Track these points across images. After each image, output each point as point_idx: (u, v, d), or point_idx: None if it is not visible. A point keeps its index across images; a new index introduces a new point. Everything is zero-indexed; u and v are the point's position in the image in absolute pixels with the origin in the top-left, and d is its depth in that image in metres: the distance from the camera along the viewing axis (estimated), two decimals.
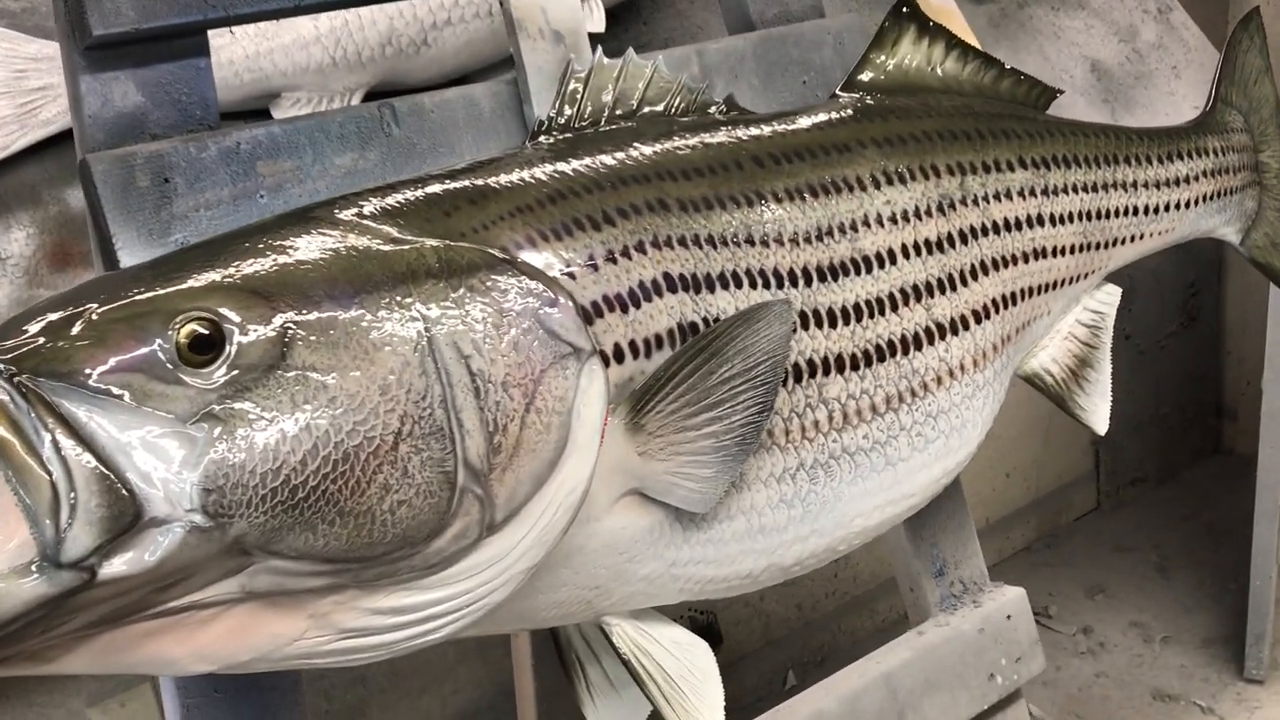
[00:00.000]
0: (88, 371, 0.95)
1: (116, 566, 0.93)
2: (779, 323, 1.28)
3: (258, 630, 1.03)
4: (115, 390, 0.96)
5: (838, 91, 1.66)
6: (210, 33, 1.41)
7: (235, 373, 1.00)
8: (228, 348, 1.01)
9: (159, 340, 0.98)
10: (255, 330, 1.02)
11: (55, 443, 0.91)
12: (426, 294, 1.12)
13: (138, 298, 1.00)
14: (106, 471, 0.93)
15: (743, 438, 1.27)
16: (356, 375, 1.06)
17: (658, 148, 1.40)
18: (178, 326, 0.99)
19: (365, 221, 1.16)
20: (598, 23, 2.08)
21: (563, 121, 1.41)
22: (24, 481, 0.90)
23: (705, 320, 1.31)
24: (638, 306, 1.29)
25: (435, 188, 1.25)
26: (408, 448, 1.07)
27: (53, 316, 0.98)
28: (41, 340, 0.96)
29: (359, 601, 1.08)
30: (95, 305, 0.99)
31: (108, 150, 1.36)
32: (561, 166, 1.33)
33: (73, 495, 0.90)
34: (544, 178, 1.30)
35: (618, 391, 1.25)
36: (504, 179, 1.28)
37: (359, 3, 1.57)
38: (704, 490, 1.24)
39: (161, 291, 1.02)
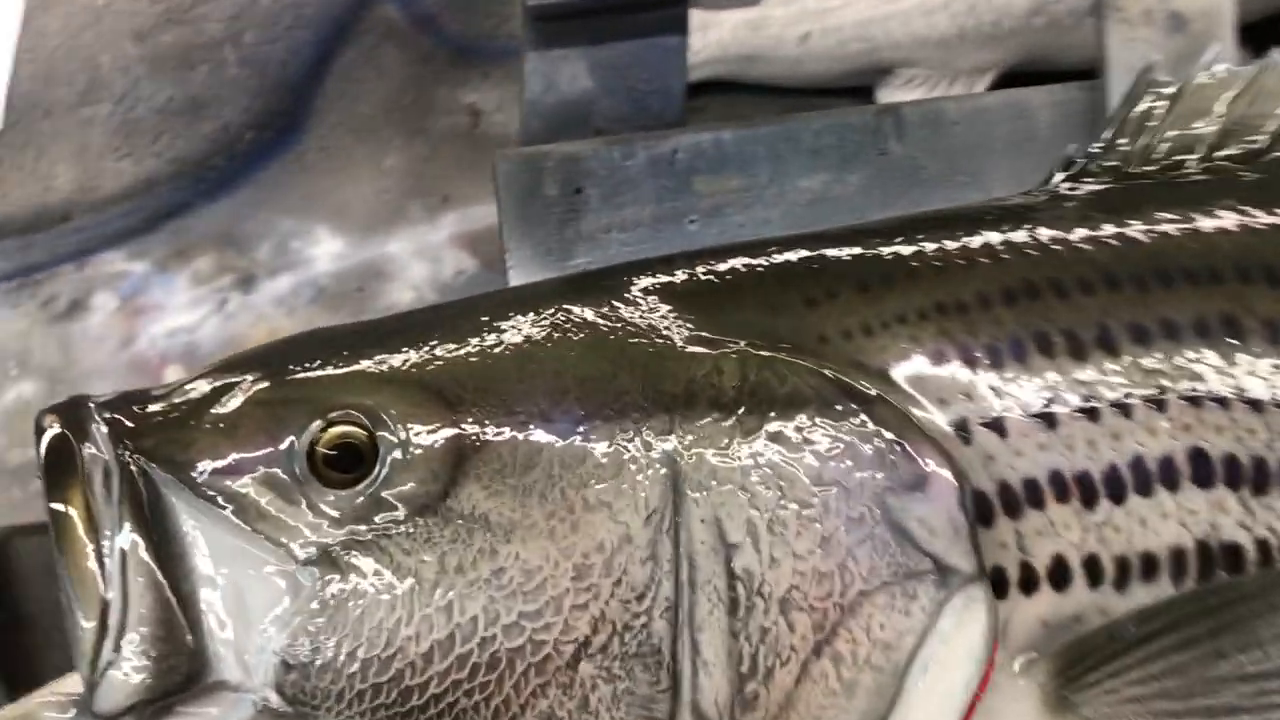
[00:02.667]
0: (202, 467, 0.73)
1: None
2: None
3: None
4: (224, 499, 0.72)
5: None
6: None
7: (377, 504, 0.72)
8: (378, 467, 0.72)
9: (294, 440, 0.73)
10: (420, 446, 0.72)
11: (125, 554, 0.71)
12: (697, 432, 0.73)
13: (296, 376, 0.76)
14: (175, 607, 0.71)
15: None
16: (544, 545, 0.71)
17: (1259, 222, 0.82)
18: (323, 427, 0.73)
19: (654, 304, 0.79)
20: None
21: (1113, 158, 0.88)
22: (78, 593, 0.71)
23: (1230, 549, 0.74)
24: (1114, 502, 0.76)
25: (816, 252, 0.83)
26: (595, 670, 0.71)
27: (206, 384, 0.77)
28: (177, 413, 0.75)
29: None
30: (254, 377, 0.76)
31: (534, 145, 1.13)
32: (1063, 234, 0.82)
33: (123, 628, 0.70)
34: (1015, 253, 0.81)
35: (1026, 636, 0.75)
36: (948, 247, 0.82)
37: None
38: None
39: (323, 373, 0.76)
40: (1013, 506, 0.77)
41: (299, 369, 0.76)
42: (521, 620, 0.71)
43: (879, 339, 0.79)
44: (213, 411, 0.75)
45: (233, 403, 0.75)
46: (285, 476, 0.73)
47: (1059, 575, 0.77)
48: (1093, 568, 0.77)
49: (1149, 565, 0.77)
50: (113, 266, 1.74)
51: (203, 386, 0.77)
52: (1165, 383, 0.79)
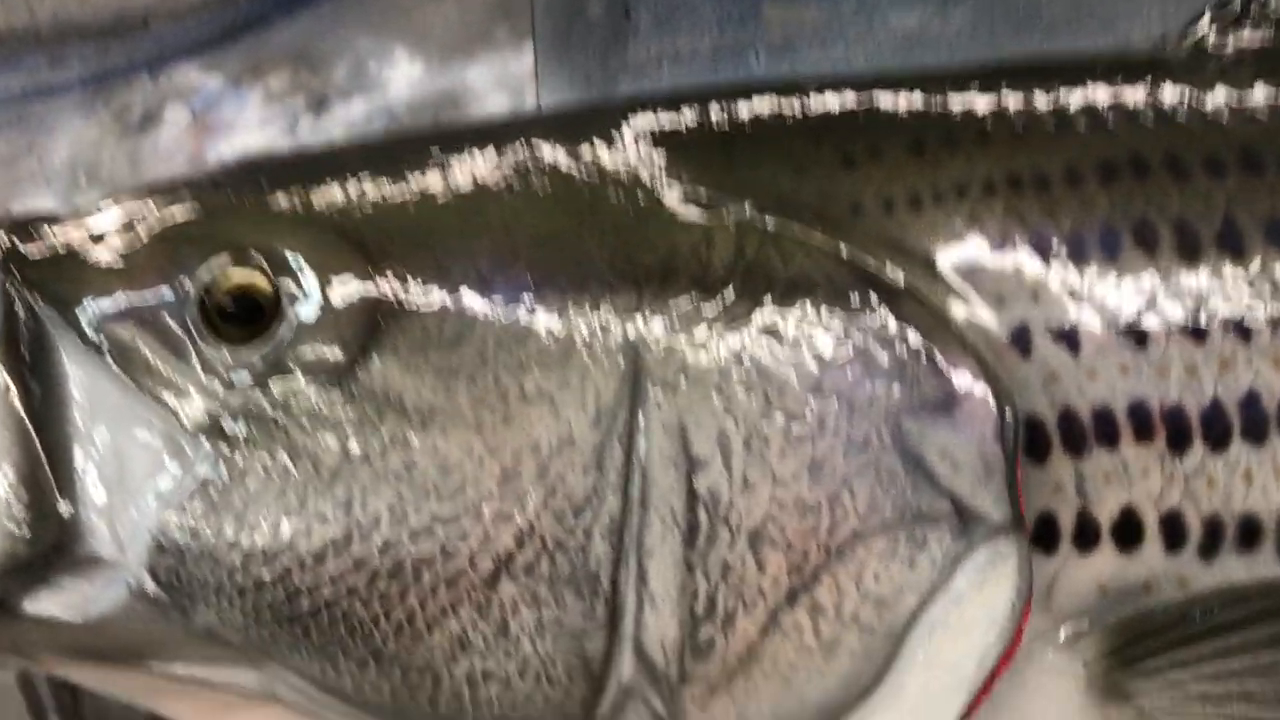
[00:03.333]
0: (90, 307, 0.62)
1: (45, 606, 0.62)
2: None
3: None
4: (110, 347, 0.61)
5: None
6: None
7: (277, 369, 0.60)
8: (279, 325, 0.60)
9: (186, 283, 0.61)
10: (330, 304, 0.60)
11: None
12: (670, 317, 0.58)
13: (203, 209, 0.63)
14: (45, 465, 0.60)
15: None
16: (468, 438, 0.58)
17: None
18: (218, 271, 0.61)
19: (646, 151, 0.63)
20: None
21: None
22: None
23: None
24: (1213, 447, 0.59)
25: (865, 97, 0.65)
26: (518, 591, 0.58)
27: (117, 211, 0.65)
28: (78, 243, 0.64)
29: None
30: (163, 206, 0.64)
31: None
32: (1195, 99, 0.64)
33: None
34: (1125, 119, 0.63)
35: (1077, 601, 0.59)
36: (1038, 104, 0.64)
37: None
38: None
39: (231, 207, 0.63)
40: (1076, 441, 0.60)
41: (210, 200, 0.63)
42: (433, 525, 0.58)
43: (928, 214, 0.62)
44: (112, 243, 0.63)
45: (133, 235, 0.63)
46: (176, 327, 0.61)
47: (1127, 532, 0.60)
48: (1173, 527, 0.60)
49: (1249, 532, 0.60)
50: (187, 79, 1.64)
51: (114, 214, 0.65)
52: None
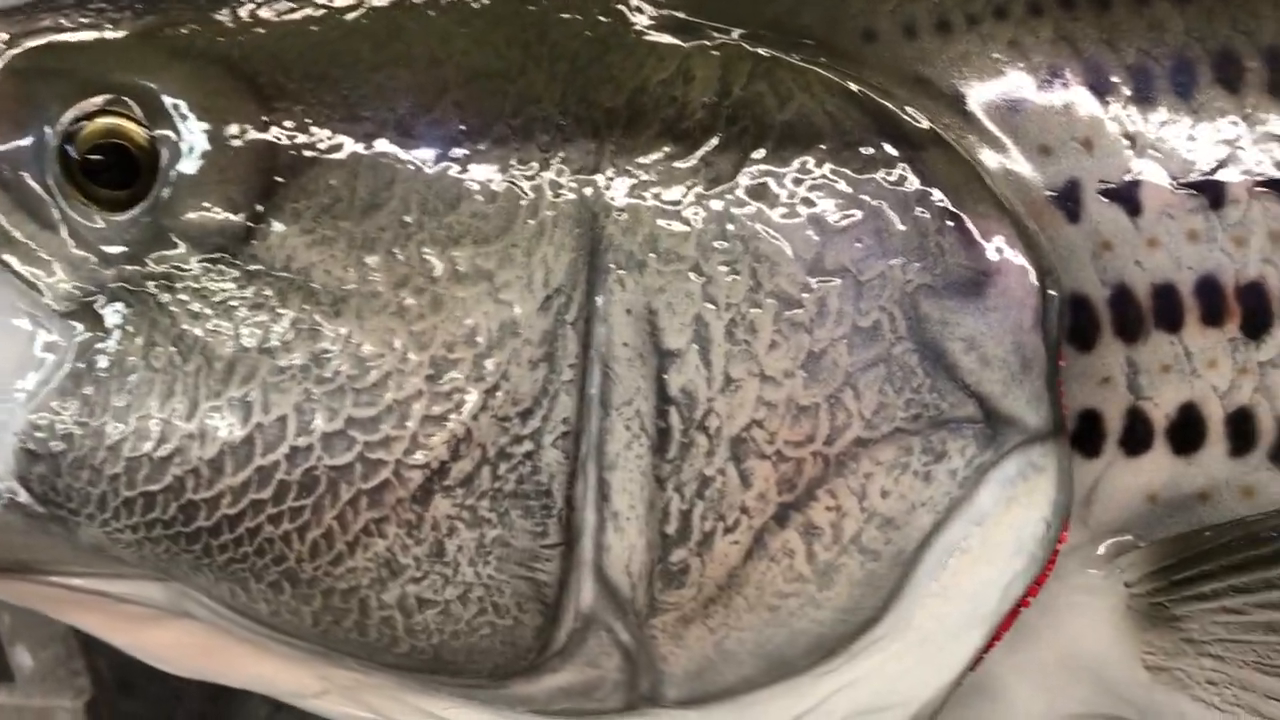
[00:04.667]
0: None
1: None
2: None
3: (228, 660, 0.59)
4: None
5: None
6: None
7: (157, 238, 0.49)
8: (158, 183, 0.49)
9: (46, 134, 0.50)
10: (217, 157, 0.48)
11: None
12: (636, 174, 0.47)
13: (64, 37, 0.51)
14: None
15: None
16: (388, 324, 0.48)
17: None
18: (79, 117, 0.49)
19: None
20: None
21: None
22: None
23: None
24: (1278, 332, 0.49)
25: None
26: (453, 508, 0.49)
27: None
28: None
29: (405, 696, 0.57)
30: (19, 32, 0.52)
31: None
32: None
33: None
34: None
35: (1121, 512, 0.50)
36: None
37: None
38: None
39: (97, 35, 0.51)
40: (1130, 324, 0.50)
41: (69, 26, 0.51)
42: (350, 430, 0.48)
43: (960, 41, 0.50)
44: None
45: None
46: (37, 187, 0.50)
47: (1187, 432, 0.51)
48: (1241, 426, 0.50)
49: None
50: None
51: None
52: None
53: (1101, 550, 0.52)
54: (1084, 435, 0.51)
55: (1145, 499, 0.51)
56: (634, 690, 0.52)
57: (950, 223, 0.47)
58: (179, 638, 0.57)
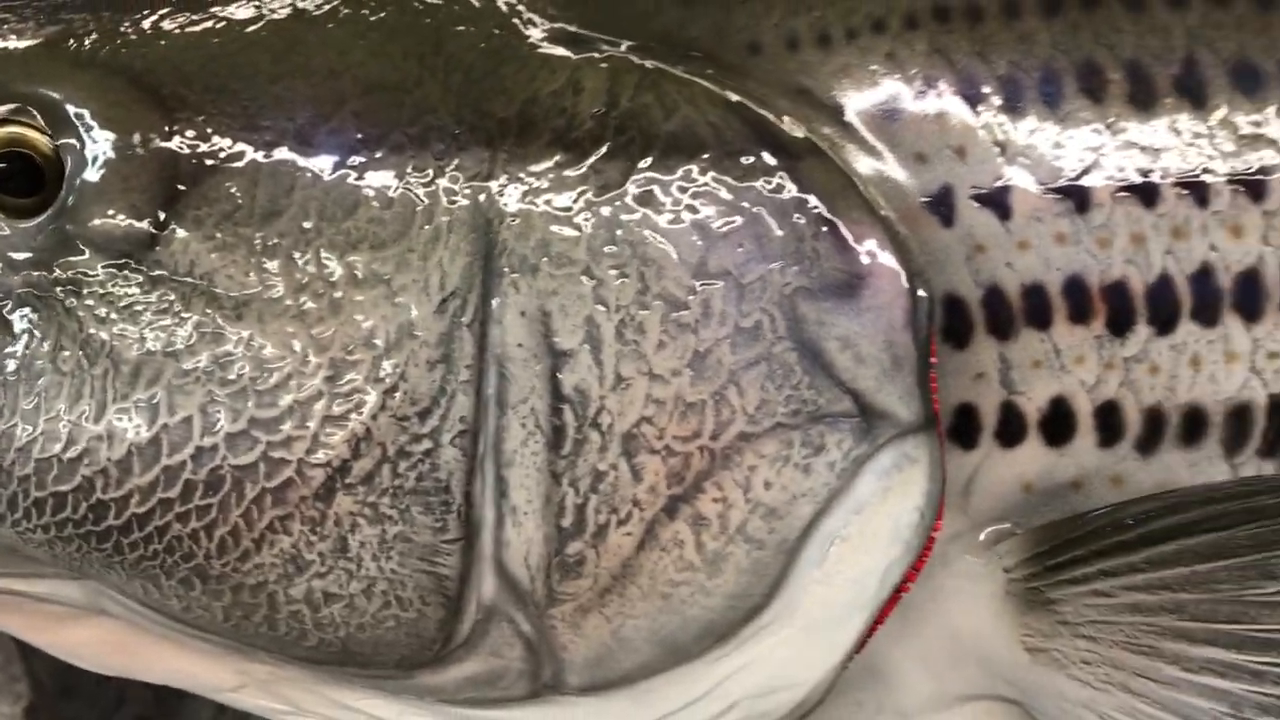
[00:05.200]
0: None
1: None
2: None
3: (146, 656, 0.60)
4: None
5: None
6: None
7: (62, 244, 0.51)
8: (63, 191, 0.50)
9: None
10: (120, 166, 0.50)
11: None
12: (528, 182, 0.49)
13: None
14: None
15: None
16: (289, 328, 0.50)
17: None
18: None
19: None
20: None
21: None
22: None
23: None
24: (1159, 329, 0.52)
25: None
26: (355, 505, 0.50)
27: None
28: None
29: (320, 688, 0.59)
30: None
31: None
32: None
33: None
34: None
35: (999, 501, 0.52)
36: None
37: None
38: None
39: (7, 45, 0.52)
40: (1003, 322, 0.52)
41: None
42: (253, 430, 0.50)
43: (840, 54, 0.53)
44: None
45: None
46: None
47: (1058, 425, 0.53)
48: (1109, 420, 0.53)
49: (1193, 425, 0.53)
50: None
51: None
52: (1272, 156, 0.51)
53: (982, 538, 0.55)
54: (961, 428, 0.53)
55: (1021, 488, 0.54)
56: (537, 679, 0.54)
57: (825, 228, 0.49)
58: (98, 636, 0.58)
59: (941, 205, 0.52)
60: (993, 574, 0.55)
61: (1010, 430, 0.53)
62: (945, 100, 0.52)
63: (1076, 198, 0.52)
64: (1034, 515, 0.54)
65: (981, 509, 0.54)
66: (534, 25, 0.52)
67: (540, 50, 0.51)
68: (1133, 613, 0.52)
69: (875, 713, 0.58)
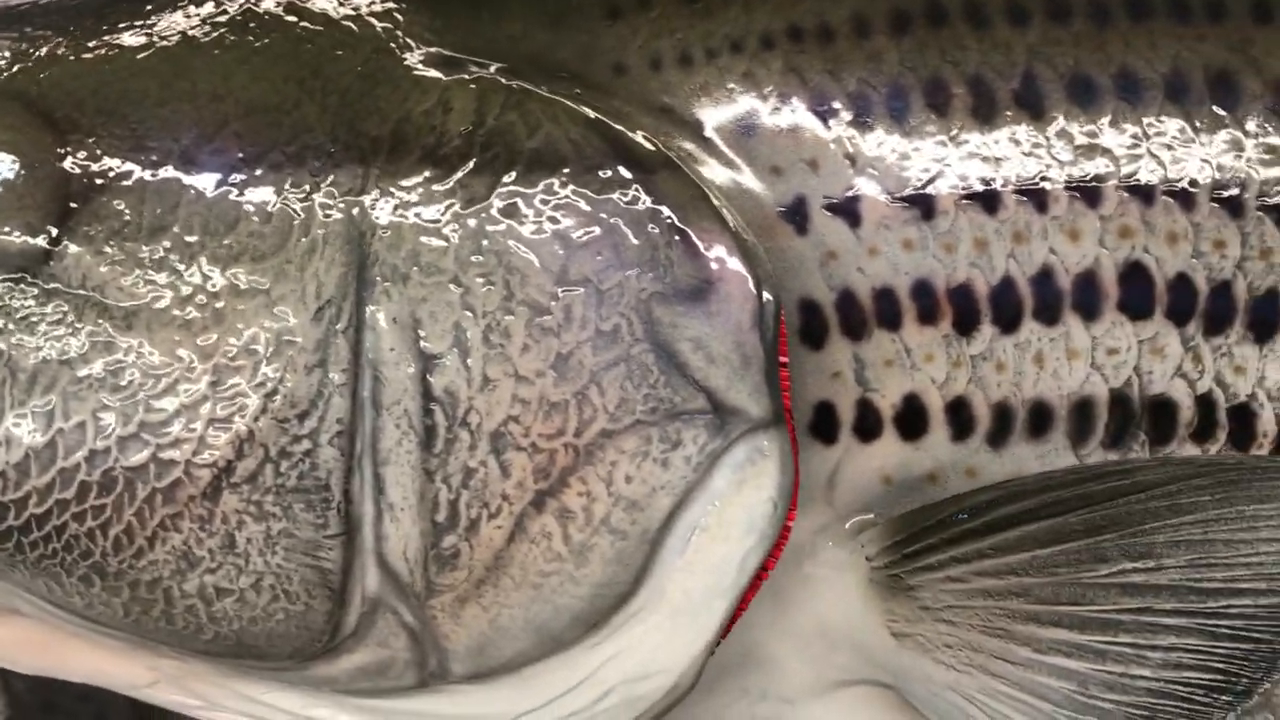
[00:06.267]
0: None
1: None
2: None
3: (62, 655, 0.62)
4: None
5: None
6: None
7: None
8: None
9: None
10: (14, 185, 0.53)
11: None
12: (399, 196, 0.52)
13: None
14: None
15: (1151, 715, 0.53)
16: (176, 336, 0.53)
17: None
18: None
19: (379, 3, 0.55)
20: None
21: None
22: None
23: (1159, 407, 0.53)
24: (1003, 329, 0.55)
25: None
26: (241, 503, 0.53)
27: None
28: None
29: (226, 682, 0.61)
30: None
31: None
32: None
33: None
34: None
35: (860, 494, 0.56)
36: None
37: None
38: None
39: None
40: (856, 324, 0.55)
41: None
42: (143, 433, 0.53)
43: (700, 73, 0.56)
44: None
45: None
46: None
47: (911, 421, 0.56)
48: (959, 414, 0.56)
49: (1040, 419, 0.56)
50: None
51: None
52: (1106, 164, 0.55)
53: (847, 528, 0.58)
54: (821, 425, 0.56)
55: (881, 481, 0.57)
56: (423, 668, 0.57)
57: (677, 237, 0.52)
58: (14, 636, 0.61)
59: (796, 215, 0.55)
60: (857, 563, 0.58)
61: (867, 426, 0.56)
62: (799, 116, 0.55)
63: (923, 206, 0.55)
64: (895, 507, 0.57)
65: (845, 501, 0.57)
66: (409, 49, 0.55)
67: (413, 73, 0.54)
68: (984, 597, 0.55)
69: (759, 699, 0.61)
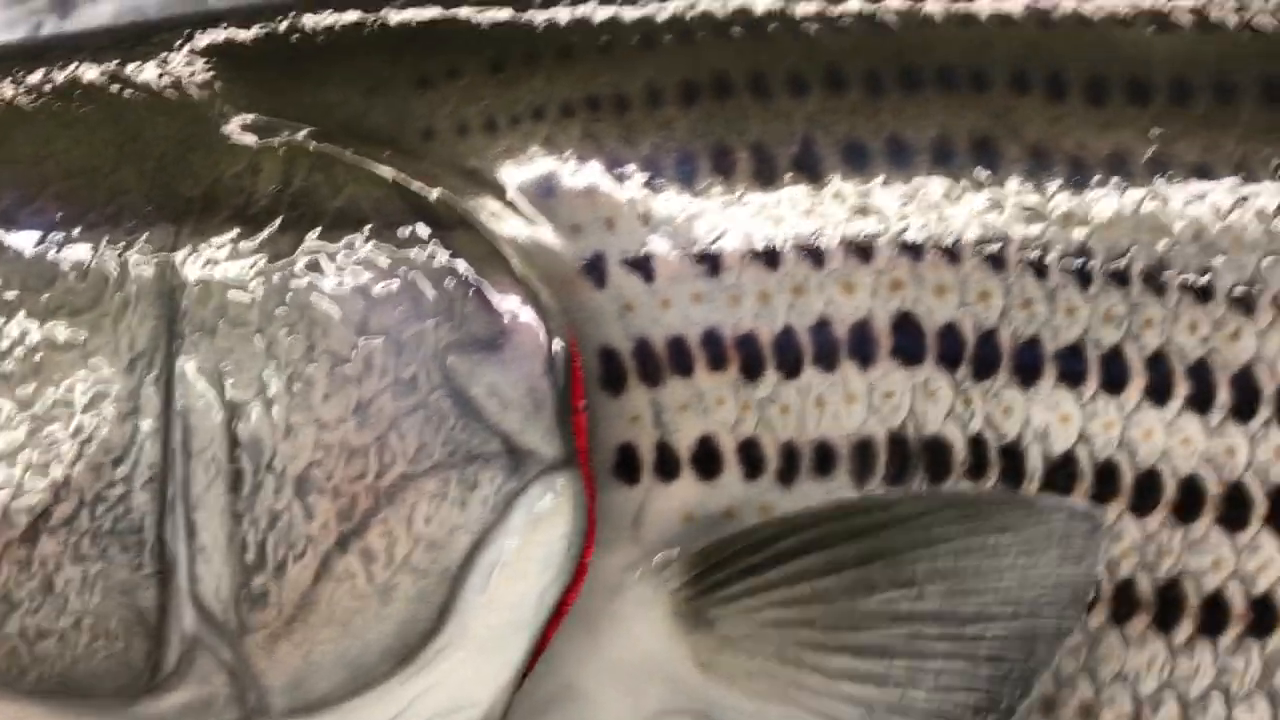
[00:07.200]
0: None
1: None
2: (1069, 547, 0.51)
3: None
4: None
5: None
6: None
7: None
8: None
9: None
10: None
11: None
12: (208, 254, 0.55)
13: None
14: None
15: None
16: None
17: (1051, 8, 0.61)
18: None
19: (198, 73, 0.59)
20: None
21: None
22: None
23: (933, 446, 0.56)
24: (786, 374, 0.58)
25: (446, 12, 0.62)
26: (58, 547, 0.56)
27: None
28: None
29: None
30: None
31: None
32: (785, 11, 0.61)
33: None
34: (714, 34, 0.61)
35: (664, 532, 0.59)
36: (624, 18, 0.61)
37: None
38: None
39: None
40: (652, 371, 0.59)
41: None
42: None
43: (504, 139, 0.60)
44: None
45: None
46: None
47: (706, 461, 0.59)
48: (751, 455, 0.59)
49: (824, 458, 0.60)
50: None
51: None
52: (875, 224, 0.59)
53: (653, 564, 0.61)
54: (625, 466, 0.59)
55: (683, 519, 0.60)
56: (244, 704, 0.59)
57: (472, 291, 0.56)
58: None
59: (594, 270, 0.59)
60: (662, 597, 0.61)
61: (667, 467, 0.59)
62: (596, 178, 0.59)
63: (710, 261, 0.59)
64: (699, 543, 0.60)
65: (650, 539, 0.60)
66: (225, 117, 0.59)
67: (228, 138, 0.58)
68: (776, 627, 0.58)
69: None
